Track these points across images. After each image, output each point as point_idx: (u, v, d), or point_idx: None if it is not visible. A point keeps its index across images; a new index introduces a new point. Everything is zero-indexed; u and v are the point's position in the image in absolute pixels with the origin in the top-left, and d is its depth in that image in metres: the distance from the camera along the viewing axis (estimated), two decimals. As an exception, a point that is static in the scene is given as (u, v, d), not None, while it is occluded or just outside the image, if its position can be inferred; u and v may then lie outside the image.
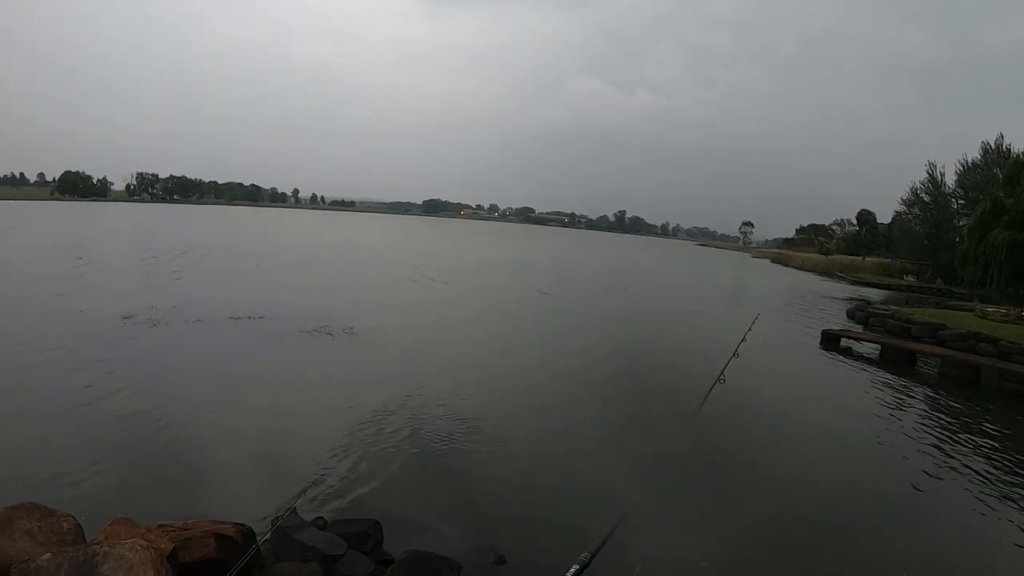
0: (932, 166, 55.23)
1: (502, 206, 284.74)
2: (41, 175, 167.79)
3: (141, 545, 3.73)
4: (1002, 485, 8.05)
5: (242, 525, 4.68)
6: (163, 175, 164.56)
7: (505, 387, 11.17)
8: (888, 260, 63.73)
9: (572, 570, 2.20)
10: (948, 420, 11.30)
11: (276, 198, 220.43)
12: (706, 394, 3.70)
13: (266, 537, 4.62)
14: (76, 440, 7.05)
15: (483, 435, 8.40)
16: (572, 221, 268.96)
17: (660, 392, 11.89)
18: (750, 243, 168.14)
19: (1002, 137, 47.77)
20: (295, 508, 5.20)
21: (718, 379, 4.74)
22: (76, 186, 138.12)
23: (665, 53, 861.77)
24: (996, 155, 47.44)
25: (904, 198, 59.30)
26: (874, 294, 40.43)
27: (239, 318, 14.61)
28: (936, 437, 10.07)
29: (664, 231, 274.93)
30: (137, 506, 5.18)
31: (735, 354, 6.12)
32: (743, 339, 7.07)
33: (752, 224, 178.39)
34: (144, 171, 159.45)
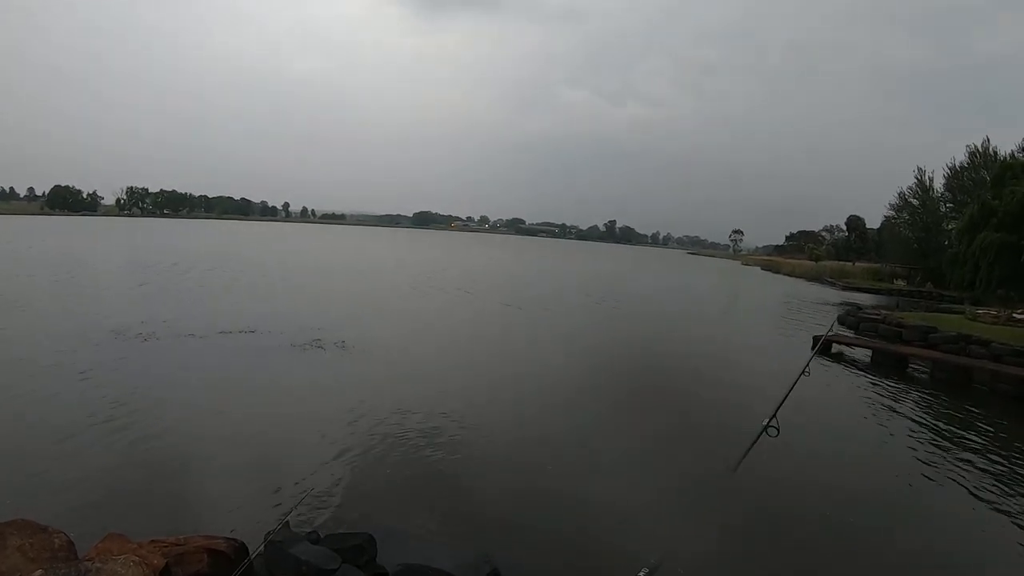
0: (921, 171, 55.86)
1: (492, 217, 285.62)
2: (31, 189, 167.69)
3: (133, 561, 3.71)
4: (997, 486, 8.09)
5: (235, 540, 4.65)
6: (153, 189, 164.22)
7: (501, 399, 11.13)
8: (878, 265, 64.13)
9: None
10: (941, 423, 11.34)
11: (266, 212, 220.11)
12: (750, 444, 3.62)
13: (259, 552, 4.59)
14: (67, 456, 6.99)
15: (478, 447, 8.38)
16: (563, 232, 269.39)
17: (669, 403, 11.94)
18: (740, 251, 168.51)
19: (988, 140, 48.35)
20: (288, 522, 5.17)
21: (770, 420, 4.66)
22: (66, 200, 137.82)
23: (653, 65, 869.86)
24: (983, 158, 47.97)
25: (893, 203, 59.90)
26: (865, 299, 40.60)
27: (230, 332, 14.55)
28: (930, 440, 10.11)
29: (655, 240, 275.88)
30: (129, 522, 5.15)
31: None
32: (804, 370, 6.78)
33: (742, 232, 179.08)
34: (134, 185, 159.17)
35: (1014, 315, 22.06)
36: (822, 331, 20.09)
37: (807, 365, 5.09)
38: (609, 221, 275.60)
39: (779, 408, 3.62)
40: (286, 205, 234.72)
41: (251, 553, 4.44)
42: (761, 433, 3.43)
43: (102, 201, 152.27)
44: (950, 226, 49.28)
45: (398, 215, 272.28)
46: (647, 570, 2.13)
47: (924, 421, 11.40)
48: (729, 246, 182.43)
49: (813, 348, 18.14)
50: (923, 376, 15.61)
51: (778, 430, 3.43)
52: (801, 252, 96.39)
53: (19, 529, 4.05)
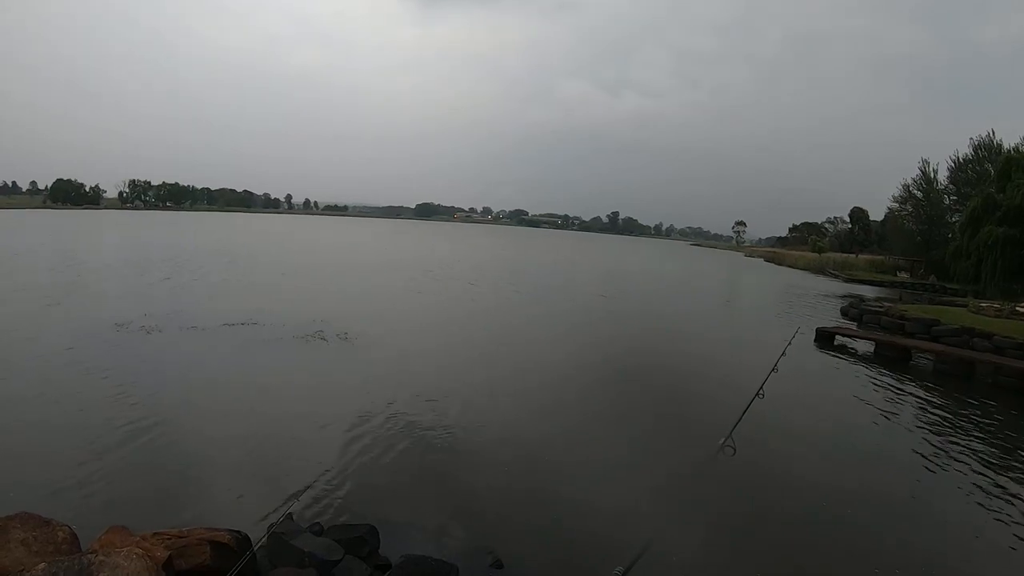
0: (925, 163, 55.66)
1: (495, 209, 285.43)
2: (33, 183, 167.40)
3: (136, 553, 3.71)
4: (999, 480, 8.07)
5: (237, 532, 4.66)
6: (155, 182, 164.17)
7: (505, 392, 11.12)
8: (881, 257, 63.92)
9: None
10: (944, 416, 11.31)
11: (269, 204, 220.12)
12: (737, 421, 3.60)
13: (261, 543, 4.60)
14: (70, 449, 7.00)
15: (481, 439, 8.40)
16: (565, 223, 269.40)
17: (671, 399, 11.93)
18: (743, 242, 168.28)
19: (993, 133, 48.08)
20: (291, 514, 5.18)
21: (757, 394, 4.64)
22: (68, 194, 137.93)
23: (651, 56, 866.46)
24: (987, 151, 47.71)
25: (897, 195, 59.70)
26: (868, 291, 40.49)
27: (233, 324, 14.55)
28: (932, 433, 10.09)
29: (657, 231, 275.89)
30: (132, 514, 5.16)
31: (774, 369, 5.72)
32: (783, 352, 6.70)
33: (745, 223, 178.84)
34: (136, 178, 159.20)
35: (1017, 308, 22.00)
36: (828, 325, 20.08)
37: (762, 385, 4.97)
38: (612, 212, 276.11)
39: (735, 427, 3.59)
40: (288, 197, 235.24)
41: (254, 545, 4.45)
42: (719, 450, 3.39)
43: (104, 194, 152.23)
44: (954, 219, 49.12)
45: (400, 207, 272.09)
46: (621, 569, 2.11)
47: (926, 414, 11.38)
48: (732, 237, 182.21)
49: (816, 341, 18.13)
50: (926, 369, 15.57)
51: (735, 449, 3.40)
52: (804, 244, 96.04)
53: (22, 522, 4.06)
